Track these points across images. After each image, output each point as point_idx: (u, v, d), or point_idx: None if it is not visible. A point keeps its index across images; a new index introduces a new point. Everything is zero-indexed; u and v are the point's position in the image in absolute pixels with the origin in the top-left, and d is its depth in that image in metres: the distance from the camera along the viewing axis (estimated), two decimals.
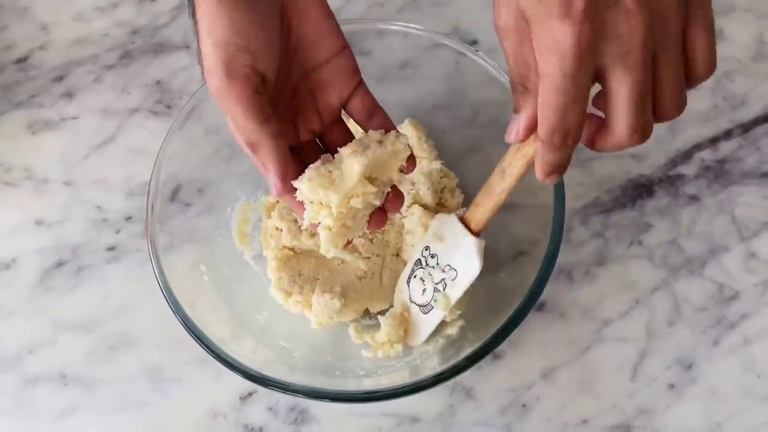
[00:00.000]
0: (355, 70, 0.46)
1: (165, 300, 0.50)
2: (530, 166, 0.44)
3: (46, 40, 0.69)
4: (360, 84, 0.46)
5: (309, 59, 0.44)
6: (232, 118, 0.41)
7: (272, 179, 0.42)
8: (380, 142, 0.44)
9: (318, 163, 0.44)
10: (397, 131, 0.46)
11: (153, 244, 0.52)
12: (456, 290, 0.51)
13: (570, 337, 0.57)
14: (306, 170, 0.44)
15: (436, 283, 0.52)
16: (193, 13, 0.40)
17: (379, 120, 0.46)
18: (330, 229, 0.45)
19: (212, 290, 0.54)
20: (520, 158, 0.44)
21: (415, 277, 0.54)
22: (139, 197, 0.62)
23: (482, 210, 0.48)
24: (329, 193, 0.43)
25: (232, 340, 0.51)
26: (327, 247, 0.46)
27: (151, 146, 0.56)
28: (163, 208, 0.54)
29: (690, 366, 0.56)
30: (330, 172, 0.44)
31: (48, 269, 0.60)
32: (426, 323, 0.53)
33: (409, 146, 0.45)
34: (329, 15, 0.44)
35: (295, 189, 0.44)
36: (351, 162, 0.43)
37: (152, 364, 0.56)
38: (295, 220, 0.57)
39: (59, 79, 0.67)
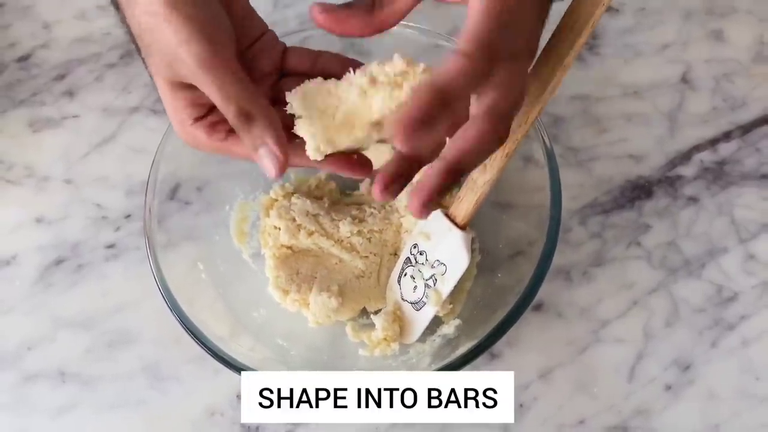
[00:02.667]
0: (278, 40, 0.46)
1: (163, 298, 0.50)
2: (510, 159, 0.45)
3: (48, 38, 0.70)
4: (288, 47, 0.46)
5: (241, 41, 0.43)
6: (220, 88, 0.38)
7: (272, 150, 0.38)
8: (400, 79, 0.39)
9: (319, 79, 0.41)
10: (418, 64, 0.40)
11: (151, 243, 0.52)
12: (446, 285, 0.51)
13: (567, 338, 0.57)
14: (303, 84, 0.41)
15: (426, 280, 0.52)
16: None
17: (326, 58, 0.45)
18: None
19: (210, 288, 0.54)
20: (500, 151, 0.45)
21: (405, 275, 0.54)
22: (139, 195, 0.62)
23: (466, 204, 0.49)
24: (319, 128, 0.40)
25: (230, 339, 0.51)
26: (314, 146, 0.41)
27: (151, 145, 0.56)
28: (161, 206, 0.54)
29: (688, 367, 0.55)
30: (329, 93, 0.41)
31: (48, 266, 0.60)
32: (419, 320, 0.53)
33: None
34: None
35: (296, 158, 0.41)
36: (367, 99, 0.39)
37: (150, 362, 0.57)
38: (294, 219, 0.57)
39: (61, 77, 0.68)
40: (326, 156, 0.42)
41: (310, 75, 0.44)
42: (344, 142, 0.41)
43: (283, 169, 0.39)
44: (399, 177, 0.38)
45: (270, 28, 0.47)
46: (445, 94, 0.35)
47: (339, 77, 0.42)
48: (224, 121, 0.41)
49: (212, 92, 0.39)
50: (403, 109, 0.37)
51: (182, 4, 0.38)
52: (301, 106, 0.41)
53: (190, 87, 0.40)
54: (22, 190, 0.63)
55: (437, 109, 0.34)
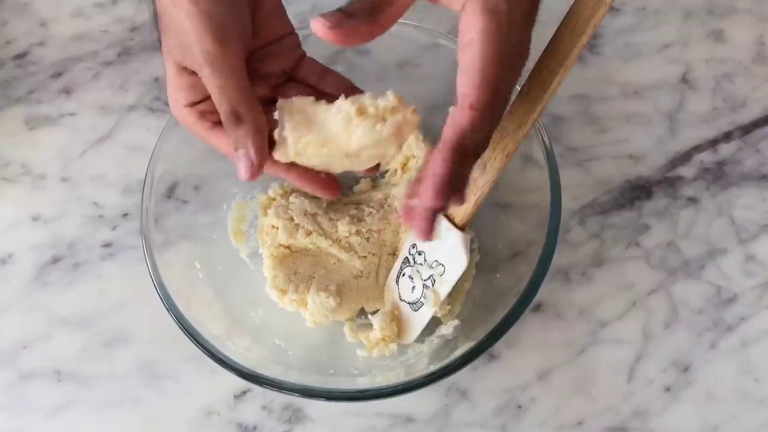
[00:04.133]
0: (299, 46, 0.48)
1: (159, 297, 0.50)
2: (510, 160, 0.45)
3: (45, 36, 0.69)
4: (305, 56, 0.48)
5: (260, 38, 0.45)
6: (220, 87, 0.40)
7: (250, 155, 0.41)
8: (387, 115, 0.41)
9: (311, 98, 0.43)
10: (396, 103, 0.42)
11: (148, 242, 0.52)
12: (445, 286, 0.51)
13: (566, 338, 0.56)
14: (297, 98, 0.42)
15: (425, 280, 0.52)
16: None
17: (333, 79, 0.47)
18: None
19: (207, 288, 0.54)
20: (500, 151, 0.45)
21: (403, 275, 0.54)
22: (136, 194, 0.61)
23: (466, 204, 0.49)
24: (290, 136, 0.42)
25: (227, 338, 0.51)
26: (282, 152, 0.43)
27: (148, 143, 0.56)
28: (158, 205, 0.54)
29: (687, 368, 0.55)
30: (315, 113, 0.42)
31: (44, 265, 0.60)
32: (417, 320, 0.53)
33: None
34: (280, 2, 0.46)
35: (272, 163, 0.43)
36: (349, 129, 0.41)
37: (147, 361, 0.56)
38: (292, 218, 0.57)
39: (58, 75, 0.67)
40: (296, 168, 0.45)
41: (313, 89, 0.46)
42: (312, 161, 0.43)
43: (255, 175, 0.41)
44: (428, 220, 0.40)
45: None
46: (464, 151, 0.38)
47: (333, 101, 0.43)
48: (214, 112, 0.43)
49: (211, 87, 0.41)
50: (424, 173, 0.38)
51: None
52: (287, 115, 0.42)
53: (195, 74, 0.43)
54: (19, 188, 0.63)
55: (460, 167, 0.38)
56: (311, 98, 0.43)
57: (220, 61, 0.41)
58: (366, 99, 0.42)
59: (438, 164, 0.37)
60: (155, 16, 0.44)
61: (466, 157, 0.38)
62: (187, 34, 0.41)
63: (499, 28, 0.37)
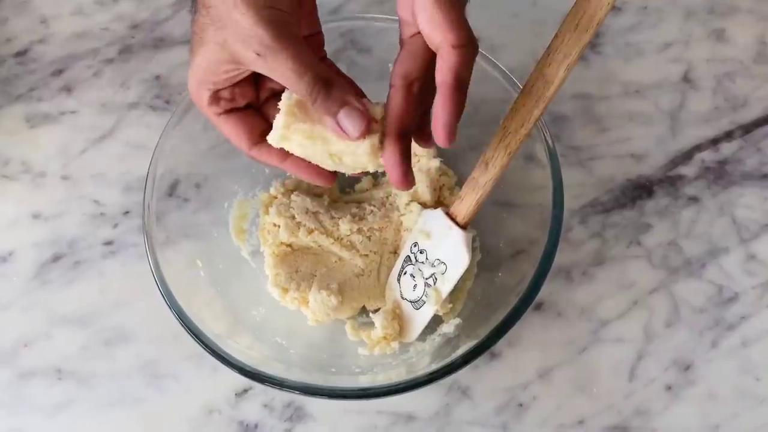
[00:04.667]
0: (323, 46, 0.49)
1: (161, 295, 0.50)
2: (512, 159, 0.45)
3: (45, 33, 0.69)
4: (326, 57, 0.49)
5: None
6: (296, 59, 0.41)
7: (356, 106, 0.42)
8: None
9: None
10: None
11: (149, 239, 0.52)
12: (446, 284, 0.51)
13: (567, 337, 0.56)
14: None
15: (426, 279, 0.52)
16: None
17: (346, 82, 0.48)
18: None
19: (209, 286, 0.54)
20: (502, 150, 0.45)
21: (405, 273, 0.54)
22: (137, 192, 0.61)
23: (467, 203, 0.49)
24: (280, 120, 0.43)
25: (228, 336, 0.51)
26: (275, 136, 0.44)
27: (149, 141, 0.55)
28: (160, 203, 0.54)
29: (688, 367, 0.55)
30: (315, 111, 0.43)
31: (44, 263, 0.60)
32: (418, 319, 0.53)
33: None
34: None
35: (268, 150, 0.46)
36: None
37: (148, 360, 0.56)
38: (293, 216, 0.57)
39: (58, 72, 0.67)
40: (291, 157, 0.46)
41: None
42: (299, 151, 0.44)
43: (368, 125, 0.42)
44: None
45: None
46: (463, 86, 0.40)
47: None
48: (229, 100, 0.46)
49: (286, 64, 0.41)
50: (438, 112, 0.41)
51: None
52: (287, 102, 0.43)
53: (236, 63, 0.43)
54: (19, 185, 0.63)
55: (460, 104, 0.40)
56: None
57: (288, 37, 0.41)
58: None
59: (445, 106, 0.40)
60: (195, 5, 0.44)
61: (464, 93, 0.40)
62: (248, 25, 0.41)
63: None
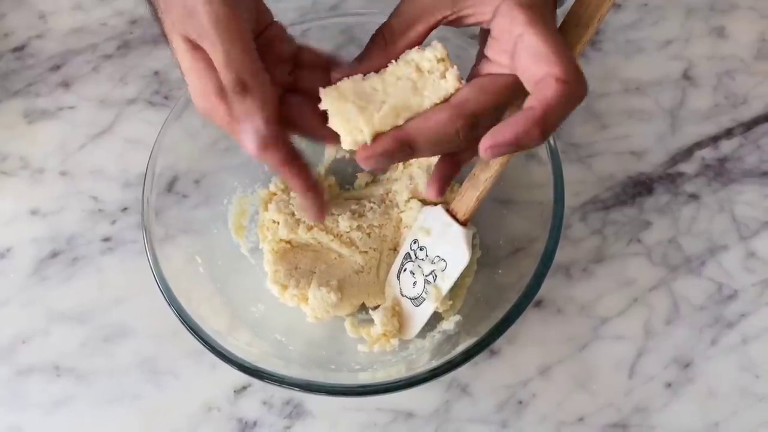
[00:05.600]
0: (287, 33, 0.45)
1: (160, 292, 0.50)
2: (512, 156, 0.45)
3: (44, 28, 0.69)
4: (299, 45, 0.45)
5: (258, 21, 0.43)
6: (227, 52, 0.38)
7: (257, 126, 0.38)
8: (443, 70, 0.40)
9: (359, 76, 0.41)
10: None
11: (148, 235, 0.51)
12: (446, 281, 0.51)
13: (567, 334, 0.56)
14: (340, 82, 0.41)
15: (426, 276, 0.52)
16: None
17: (340, 61, 0.45)
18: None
19: (208, 282, 0.54)
20: None
21: (405, 270, 0.53)
22: (136, 188, 0.61)
23: (467, 200, 0.49)
24: (360, 120, 0.40)
25: (228, 333, 0.51)
26: (350, 141, 0.41)
27: (148, 137, 0.55)
28: (159, 199, 0.54)
29: (688, 365, 0.55)
30: (374, 89, 0.41)
31: (43, 259, 0.60)
32: (418, 316, 0.53)
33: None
34: None
35: (280, 143, 0.41)
36: (417, 92, 0.40)
37: (146, 356, 0.56)
38: (293, 213, 0.56)
39: (56, 68, 0.67)
40: (295, 165, 0.43)
41: (325, 68, 0.44)
42: (384, 128, 0.41)
43: (262, 147, 0.39)
44: None
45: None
46: (550, 125, 0.37)
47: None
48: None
49: (217, 54, 0.38)
50: (499, 127, 0.38)
51: None
52: (334, 103, 0.41)
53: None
54: (17, 181, 0.63)
55: (542, 134, 0.37)
56: (357, 76, 0.42)
57: (227, 24, 0.37)
58: (415, 55, 0.41)
59: (513, 126, 0.37)
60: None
61: (542, 131, 0.37)
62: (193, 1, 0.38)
63: (542, 17, 0.38)
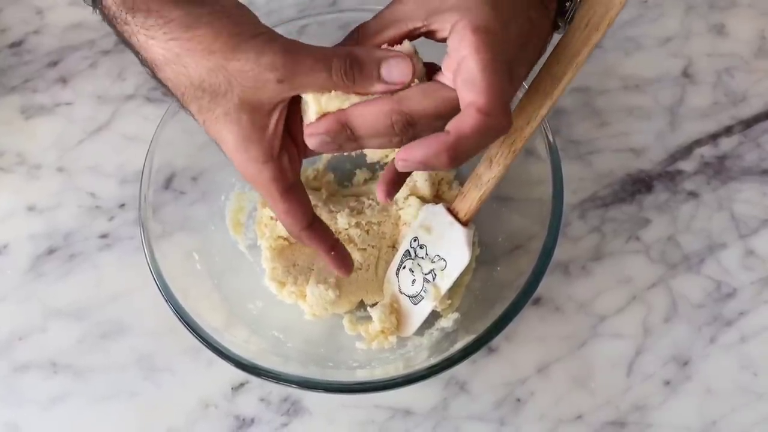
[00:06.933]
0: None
1: (157, 288, 0.49)
2: (517, 156, 0.45)
3: (41, 24, 0.68)
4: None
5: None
6: (318, 57, 0.39)
7: (396, 55, 0.39)
8: None
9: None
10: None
11: (146, 232, 0.51)
12: (445, 280, 0.51)
13: (565, 332, 0.56)
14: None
15: (426, 274, 0.52)
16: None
17: None
18: None
19: (205, 279, 0.54)
20: (507, 147, 0.45)
21: (404, 268, 0.53)
22: (133, 185, 0.61)
23: (470, 200, 0.48)
24: (309, 97, 0.40)
25: (225, 330, 0.50)
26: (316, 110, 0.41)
27: (146, 133, 0.55)
28: (156, 195, 0.53)
29: (686, 363, 0.55)
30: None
31: (39, 255, 0.59)
32: (416, 314, 0.53)
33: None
34: None
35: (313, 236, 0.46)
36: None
37: (144, 353, 0.56)
38: None
39: (54, 64, 0.67)
40: (336, 247, 0.48)
41: None
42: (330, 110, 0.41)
43: (413, 64, 0.39)
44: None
45: (267, 15, 0.46)
46: (455, 153, 0.37)
47: None
48: (290, 166, 0.43)
49: (311, 65, 0.39)
50: (411, 149, 0.38)
51: (246, 29, 0.39)
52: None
53: (269, 115, 0.41)
54: (14, 177, 0.62)
55: (444, 165, 0.37)
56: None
57: (295, 45, 0.39)
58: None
59: (424, 147, 0.37)
60: (179, 100, 0.42)
61: (453, 158, 0.37)
62: (250, 61, 0.38)
63: (492, 44, 0.37)
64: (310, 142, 0.41)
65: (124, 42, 0.41)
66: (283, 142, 0.42)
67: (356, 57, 0.39)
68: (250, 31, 0.39)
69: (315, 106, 0.40)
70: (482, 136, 0.37)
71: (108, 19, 0.41)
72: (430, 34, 0.41)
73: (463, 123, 0.37)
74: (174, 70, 0.40)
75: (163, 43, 0.39)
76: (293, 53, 0.39)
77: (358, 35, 0.42)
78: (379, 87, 0.39)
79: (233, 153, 0.42)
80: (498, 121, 0.37)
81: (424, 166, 0.38)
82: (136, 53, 0.41)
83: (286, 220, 0.45)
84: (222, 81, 0.39)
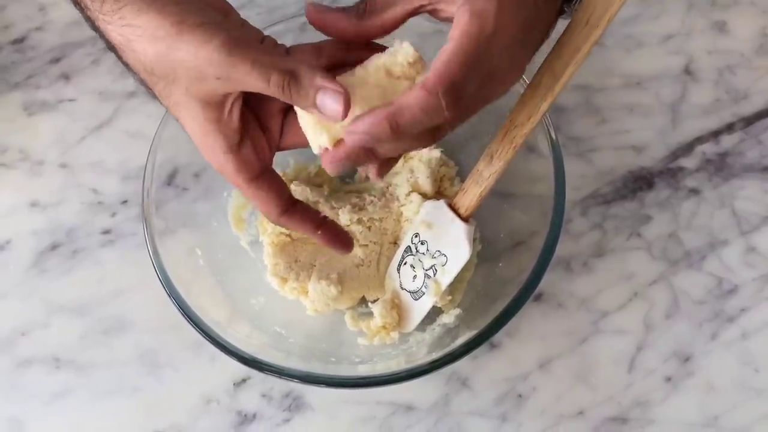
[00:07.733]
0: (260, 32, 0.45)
1: (160, 284, 0.50)
2: (517, 152, 0.45)
3: (43, 21, 0.69)
4: (289, 47, 0.45)
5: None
6: (254, 63, 0.38)
7: (331, 87, 0.38)
8: (413, 73, 0.40)
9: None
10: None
11: (149, 228, 0.51)
12: (446, 276, 0.51)
13: (567, 328, 0.56)
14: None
15: (427, 270, 0.52)
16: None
17: (329, 49, 0.44)
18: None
19: (208, 275, 0.54)
20: (508, 143, 0.45)
21: (405, 263, 0.53)
22: (136, 181, 0.61)
23: (470, 195, 0.49)
24: (322, 127, 0.40)
25: (228, 325, 0.50)
26: (317, 143, 0.41)
27: (148, 130, 0.55)
28: (159, 192, 0.54)
29: (687, 359, 0.55)
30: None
31: (42, 251, 0.59)
32: (417, 309, 0.53)
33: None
34: None
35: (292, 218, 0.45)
36: (385, 98, 0.39)
37: (146, 349, 0.56)
38: None
39: (56, 60, 0.67)
40: (323, 226, 0.47)
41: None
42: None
43: (348, 103, 0.38)
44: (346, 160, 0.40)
45: (269, 12, 0.46)
46: (397, 125, 0.36)
47: (344, 64, 0.41)
48: (259, 160, 0.43)
49: (247, 70, 0.37)
50: (356, 122, 0.37)
51: (190, 17, 0.38)
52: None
53: (221, 106, 0.40)
54: (17, 173, 0.62)
55: (387, 136, 0.37)
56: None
57: (240, 43, 0.38)
58: (386, 59, 0.40)
59: (368, 124, 0.37)
60: (143, 83, 0.41)
61: (395, 130, 0.36)
62: (193, 52, 0.38)
63: (478, 34, 0.37)
64: (331, 169, 0.40)
65: (93, 28, 0.41)
66: (248, 131, 0.42)
67: (297, 77, 0.38)
68: (194, 20, 0.37)
69: (315, 139, 0.40)
70: (421, 111, 0.36)
71: (77, 3, 0.41)
72: (434, 13, 0.41)
73: (407, 95, 0.37)
74: (130, 56, 0.39)
75: (118, 29, 0.39)
76: (232, 53, 0.37)
77: (365, 8, 0.41)
78: (313, 111, 0.39)
79: (196, 142, 0.42)
80: (437, 102, 0.36)
81: (370, 136, 0.37)
82: (102, 38, 0.41)
83: (260, 208, 0.45)
84: (168, 69, 0.38)
